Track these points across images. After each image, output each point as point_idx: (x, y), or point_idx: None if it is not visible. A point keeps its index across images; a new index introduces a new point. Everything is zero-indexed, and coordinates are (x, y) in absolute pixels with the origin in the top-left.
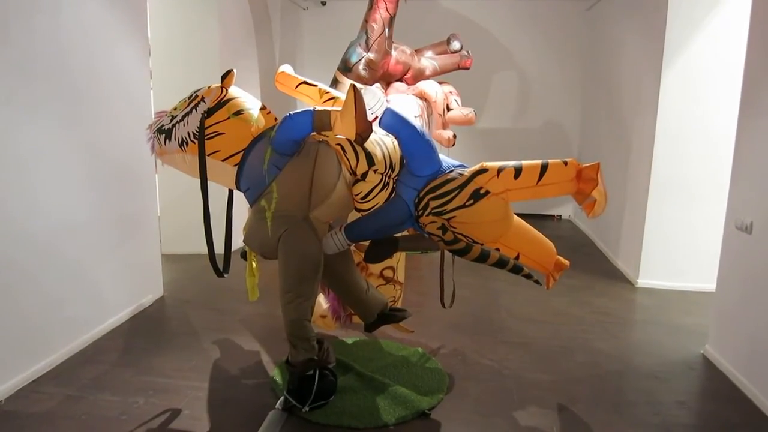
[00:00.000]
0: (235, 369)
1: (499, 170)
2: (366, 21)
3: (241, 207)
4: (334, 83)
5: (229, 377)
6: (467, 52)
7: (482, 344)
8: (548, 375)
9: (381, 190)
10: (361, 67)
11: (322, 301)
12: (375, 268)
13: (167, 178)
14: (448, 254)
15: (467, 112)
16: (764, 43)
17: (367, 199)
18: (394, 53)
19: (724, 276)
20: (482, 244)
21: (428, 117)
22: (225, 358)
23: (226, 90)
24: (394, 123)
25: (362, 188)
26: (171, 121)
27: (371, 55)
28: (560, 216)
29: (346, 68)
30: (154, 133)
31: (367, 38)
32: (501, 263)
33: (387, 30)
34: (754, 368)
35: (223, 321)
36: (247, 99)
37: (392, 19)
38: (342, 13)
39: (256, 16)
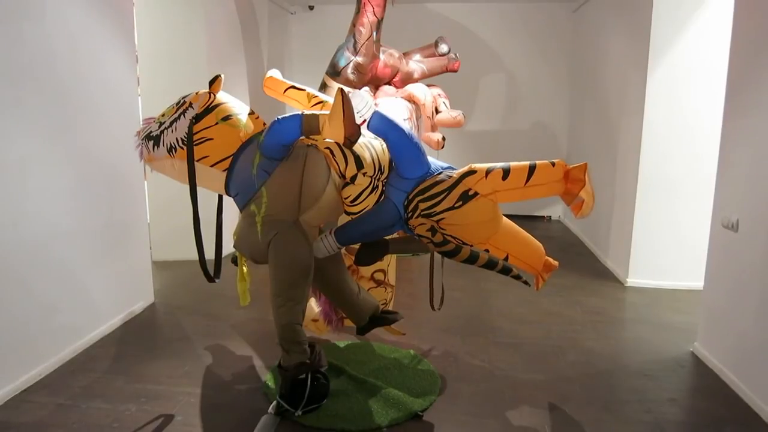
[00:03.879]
0: (227, 374)
1: (488, 172)
2: (354, 25)
3: (231, 212)
4: (323, 87)
5: (222, 382)
6: (455, 54)
7: (474, 345)
8: (540, 375)
9: (370, 193)
10: (349, 70)
11: (314, 305)
12: (366, 271)
13: (156, 185)
14: (437, 256)
15: (456, 114)
16: (748, 42)
17: (356, 203)
18: (382, 57)
19: (711, 274)
20: (471, 246)
21: (417, 120)
22: (217, 363)
23: (214, 95)
24: (383, 126)
25: (351, 191)
26: (159, 127)
27: (359, 59)
28: (550, 217)
29: (334, 72)
30: (142, 139)
31: (355, 42)
32: (490, 264)
33: (375, 33)
34: (743, 365)
35: (215, 326)
36: (236, 104)
37: (380, 22)
38: (330, 17)
39: (244, 21)
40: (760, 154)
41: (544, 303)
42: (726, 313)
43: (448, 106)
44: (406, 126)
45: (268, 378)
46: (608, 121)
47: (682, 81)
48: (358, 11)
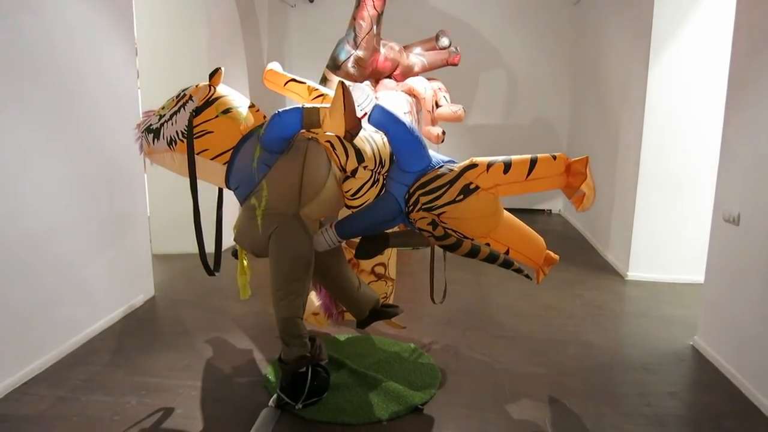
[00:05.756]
0: (227, 367)
1: (489, 165)
2: (354, 18)
3: (231, 205)
4: (323, 81)
5: (222, 376)
6: (456, 48)
7: (474, 339)
8: (540, 368)
9: (371, 186)
10: (349, 64)
11: (314, 299)
12: (366, 264)
13: (156, 178)
14: (438, 250)
15: (456, 108)
16: (750, 35)
17: (357, 196)
18: (382, 50)
19: (712, 268)
20: (472, 240)
21: (417, 113)
22: (217, 356)
23: (214, 88)
24: (384, 119)
25: (352, 185)
26: (159, 120)
27: (360, 53)
28: (550, 210)
29: (334, 66)
30: (142, 132)
31: (356, 35)
32: (491, 258)
33: (375, 27)
34: (743, 358)
35: (215, 320)
36: (236, 97)
37: (380, 16)
38: (330, 11)
39: (243, 14)
40: (761, 148)
41: (545, 297)
42: (726, 307)
43: (449, 100)
44: (408, 119)
45: (268, 371)
46: (609, 115)
47: (684, 74)
48: (359, 5)
